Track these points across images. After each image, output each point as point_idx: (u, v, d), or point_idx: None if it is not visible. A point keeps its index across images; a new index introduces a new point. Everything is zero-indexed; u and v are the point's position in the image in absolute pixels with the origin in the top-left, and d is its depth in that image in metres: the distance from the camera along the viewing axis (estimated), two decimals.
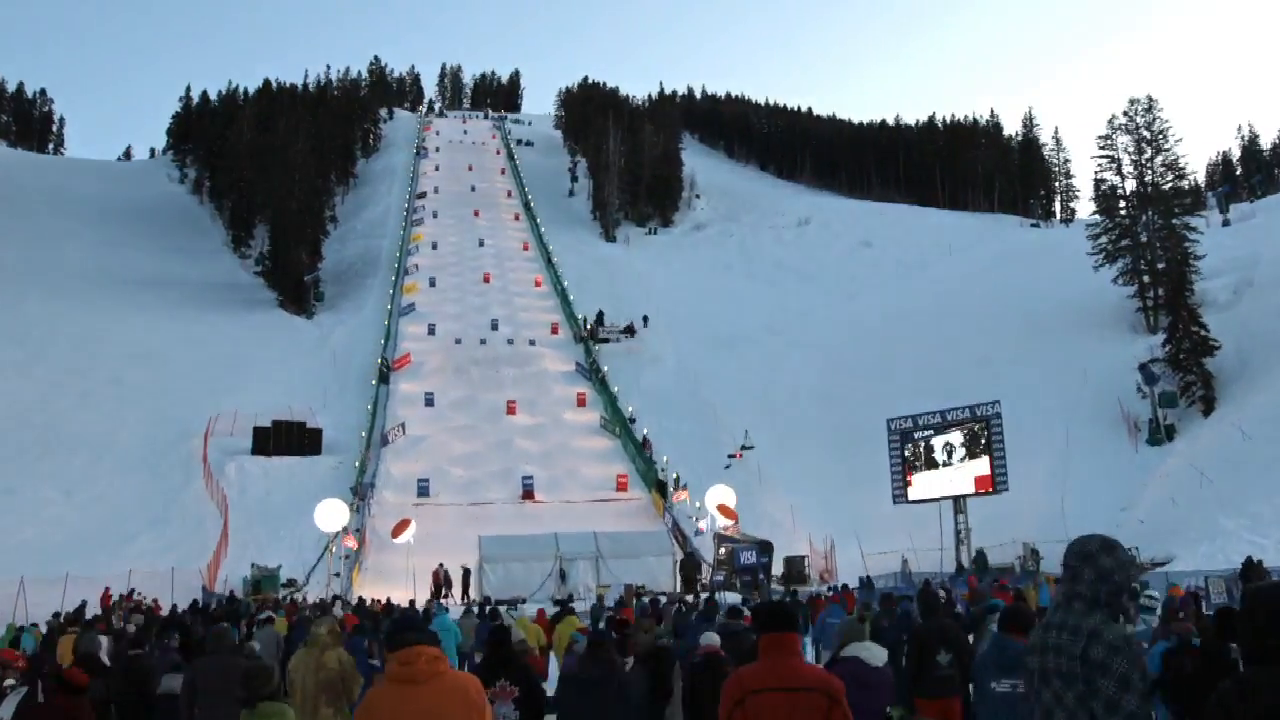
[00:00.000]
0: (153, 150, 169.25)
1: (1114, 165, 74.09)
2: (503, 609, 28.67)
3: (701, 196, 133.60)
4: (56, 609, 34.12)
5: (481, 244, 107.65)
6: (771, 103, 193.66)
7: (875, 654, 8.34)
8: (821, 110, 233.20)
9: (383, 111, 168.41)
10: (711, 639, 10.65)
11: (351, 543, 47.92)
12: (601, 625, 20.46)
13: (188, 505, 53.81)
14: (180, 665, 12.16)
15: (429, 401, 69.34)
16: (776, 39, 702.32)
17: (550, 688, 10.44)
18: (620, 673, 9.17)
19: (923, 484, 48.69)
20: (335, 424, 64.00)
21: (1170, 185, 72.02)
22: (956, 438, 47.69)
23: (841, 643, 8.53)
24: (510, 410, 67.88)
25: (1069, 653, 4.48)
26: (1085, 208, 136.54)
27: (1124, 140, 73.81)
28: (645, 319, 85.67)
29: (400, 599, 38.78)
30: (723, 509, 49.02)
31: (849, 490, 55.54)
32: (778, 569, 46.63)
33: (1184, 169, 73.24)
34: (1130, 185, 73.21)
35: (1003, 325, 72.85)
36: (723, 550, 47.81)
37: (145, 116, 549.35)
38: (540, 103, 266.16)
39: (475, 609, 28.41)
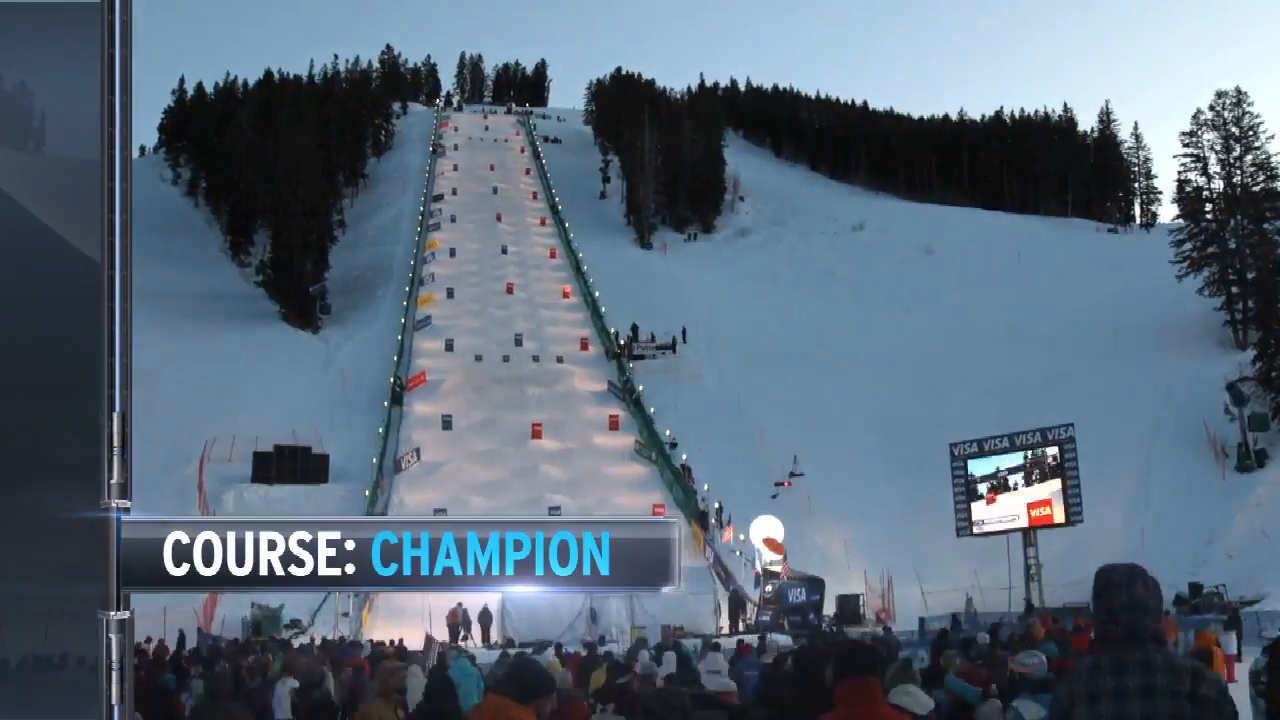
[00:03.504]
0: (143, 148, 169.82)
1: (1199, 165, 74.03)
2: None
3: (746, 199, 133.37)
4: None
5: (504, 251, 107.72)
6: (823, 96, 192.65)
7: (920, 700, 8.39)
8: (878, 104, 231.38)
9: (395, 106, 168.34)
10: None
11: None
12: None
13: None
14: None
15: (446, 424, 69.54)
16: (828, 27, 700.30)
17: None
18: None
19: (989, 514, 48.66)
20: (343, 449, 64.22)
21: (1261, 186, 71.92)
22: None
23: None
24: (536, 434, 67.96)
25: (1173, 692, 4.51)
26: (1168, 211, 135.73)
27: (1210, 137, 73.88)
28: (684, 332, 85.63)
29: (414, 641, 39.03)
30: (769, 543, 49.03)
31: (908, 522, 55.42)
32: (829, 608, 46.73)
33: (1276, 169, 73.13)
34: (1217, 186, 73.23)
35: (1076, 340, 72.67)
36: (769, 588, 47.81)
37: (135, 111, 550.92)
38: (569, 96, 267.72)
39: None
